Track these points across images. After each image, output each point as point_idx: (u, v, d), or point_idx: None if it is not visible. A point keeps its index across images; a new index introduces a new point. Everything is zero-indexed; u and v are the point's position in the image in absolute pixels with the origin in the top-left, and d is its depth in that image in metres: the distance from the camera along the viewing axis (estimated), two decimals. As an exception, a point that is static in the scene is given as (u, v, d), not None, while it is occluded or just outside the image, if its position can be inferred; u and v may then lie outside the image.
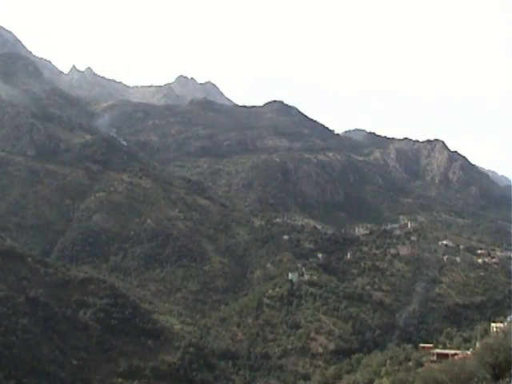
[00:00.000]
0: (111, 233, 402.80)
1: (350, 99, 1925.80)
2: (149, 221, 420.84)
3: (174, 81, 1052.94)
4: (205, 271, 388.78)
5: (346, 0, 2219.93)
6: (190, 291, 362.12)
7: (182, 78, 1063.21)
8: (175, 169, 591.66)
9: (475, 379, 73.70)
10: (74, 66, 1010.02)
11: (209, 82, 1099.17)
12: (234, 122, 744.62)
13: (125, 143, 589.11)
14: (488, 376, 73.44)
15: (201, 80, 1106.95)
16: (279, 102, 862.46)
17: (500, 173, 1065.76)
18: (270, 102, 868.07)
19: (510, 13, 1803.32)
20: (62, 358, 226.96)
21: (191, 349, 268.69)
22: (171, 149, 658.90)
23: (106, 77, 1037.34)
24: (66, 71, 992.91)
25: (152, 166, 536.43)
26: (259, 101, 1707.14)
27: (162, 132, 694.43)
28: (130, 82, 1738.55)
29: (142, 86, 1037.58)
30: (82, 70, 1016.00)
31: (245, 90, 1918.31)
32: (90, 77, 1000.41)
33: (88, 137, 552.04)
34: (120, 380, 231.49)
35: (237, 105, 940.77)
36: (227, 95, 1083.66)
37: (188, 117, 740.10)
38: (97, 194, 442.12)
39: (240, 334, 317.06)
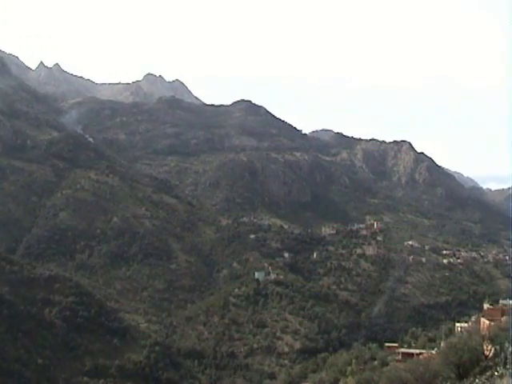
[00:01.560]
0: (77, 230, 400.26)
1: (317, 99, 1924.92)
2: (115, 219, 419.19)
3: (142, 78, 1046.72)
4: (171, 270, 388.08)
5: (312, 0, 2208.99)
6: (156, 290, 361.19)
7: (150, 76, 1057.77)
8: (142, 167, 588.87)
9: (440, 378, 74.57)
10: (41, 62, 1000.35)
11: (177, 81, 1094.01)
12: (201, 121, 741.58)
13: (92, 140, 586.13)
14: (452, 375, 74.38)
15: (169, 78, 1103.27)
16: (247, 101, 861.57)
17: (466, 174, 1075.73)
18: (237, 102, 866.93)
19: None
20: (27, 357, 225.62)
21: (157, 347, 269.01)
22: (138, 147, 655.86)
23: (74, 73, 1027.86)
24: (33, 67, 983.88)
25: (119, 163, 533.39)
26: (227, 100, 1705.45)
27: (130, 130, 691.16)
28: (98, 79, 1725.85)
29: (110, 84, 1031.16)
30: (49, 66, 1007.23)
31: (213, 88, 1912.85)
32: (57, 73, 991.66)
33: (55, 134, 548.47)
34: (85, 379, 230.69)
35: (205, 103, 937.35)
36: (195, 94, 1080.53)
37: (156, 115, 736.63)
38: (63, 192, 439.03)
39: (206, 332, 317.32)
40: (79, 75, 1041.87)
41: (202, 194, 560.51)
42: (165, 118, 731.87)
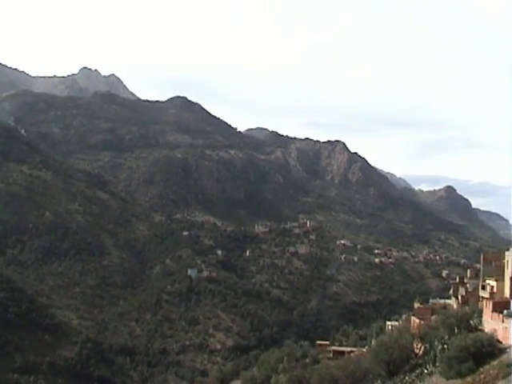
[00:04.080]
0: (9, 225, 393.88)
1: (253, 98, 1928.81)
2: (48, 214, 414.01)
3: (77, 72, 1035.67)
4: (103, 266, 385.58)
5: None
6: (88, 286, 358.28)
7: (85, 70, 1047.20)
8: (76, 161, 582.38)
9: (370, 376, 76.04)
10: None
11: (113, 75, 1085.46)
12: (136, 117, 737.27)
13: (25, 134, 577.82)
14: (383, 373, 75.91)
15: (105, 72, 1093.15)
16: (183, 97, 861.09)
17: (398, 175, 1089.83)
18: (173, 98, 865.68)
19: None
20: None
21: (89, 344, 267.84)
22: (72, 141, 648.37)
23: (8, 65, 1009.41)
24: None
25: (53, 158, 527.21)
26: (163, 96, 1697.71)
27: (64, 124, 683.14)
28: (32, 71, 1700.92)
29: (44, 77, 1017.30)
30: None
31: (149, 84, 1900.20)
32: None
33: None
34: (16, 375, 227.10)
35: (140, 99, 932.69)
36: (131, 89, 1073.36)
37: (91, 109, 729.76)
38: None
39: (138, 329, 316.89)
40: (13, 67, 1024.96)
41: (136, 190, 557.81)
42: (100, 112, 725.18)
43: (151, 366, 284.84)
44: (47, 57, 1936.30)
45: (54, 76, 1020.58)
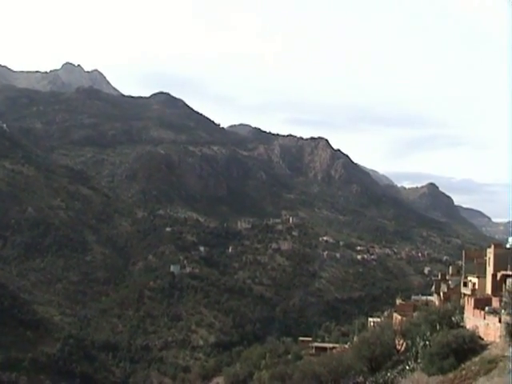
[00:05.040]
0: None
1: (236, 94, 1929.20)
2: (30, 209, 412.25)
3: (60, 67, 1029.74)
4: (86, 262, 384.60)
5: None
6: (70, 282, 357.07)
7: (68, 65, 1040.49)
8: (58, 157, 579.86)
9: (353, 372, 76.36)
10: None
11: (96, 71, 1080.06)
12: (119, 112, 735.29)
13: (7, 129, 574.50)
14: (365, 369, 76.34)
15: (88, 68, 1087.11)
16: (166, 93, 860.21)
17: (381, 172, 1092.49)
18: (156, 94, 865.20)
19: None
20: None
21: (71, 340, 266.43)
22: (55, 137, 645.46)
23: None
24: None
25: (35, 153, 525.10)
26: (146, 91, 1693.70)
27: (47, 119, 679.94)
28: (15, 66, 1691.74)
29: (27, 72, 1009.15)
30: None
31: (132, 80, 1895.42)
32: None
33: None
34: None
35: (123, 95, 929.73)
36: (114, 84, 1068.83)
37: (73, 105, 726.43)
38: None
39: (120, 325, 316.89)
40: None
41: (119, 186, 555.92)
42: (82, 108, 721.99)
43: (134, 362, 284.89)
44: (30, 52, 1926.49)
45: (37, 71, 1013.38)
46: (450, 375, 54.96)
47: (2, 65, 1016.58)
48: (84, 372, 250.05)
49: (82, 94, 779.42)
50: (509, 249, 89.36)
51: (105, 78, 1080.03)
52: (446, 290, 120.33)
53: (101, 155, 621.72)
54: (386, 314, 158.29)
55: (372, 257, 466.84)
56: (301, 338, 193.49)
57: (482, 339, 61.31)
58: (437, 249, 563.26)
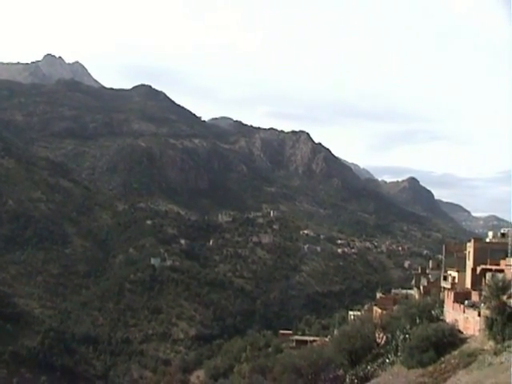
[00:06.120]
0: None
1: (217, 87, 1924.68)
2: (10, 202, 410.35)
3: (41, 59, 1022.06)
4: (66, 254, 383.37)
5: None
6: (50, 274, 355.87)
7: (49, 57, 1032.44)
8: (39, 149, 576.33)
9: (333, 365, 76.73)
10: None
11: (77, 63, 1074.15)
12: (100, 104, 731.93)
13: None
14: (345, 362, 76.81)
15: (69, 60, 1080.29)
16: (147, 86, 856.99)
17: (362, 166, 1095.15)
18: (137, 86, 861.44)
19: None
20: None
21: (51, 333, 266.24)
22: (36, 129, 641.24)
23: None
24: None
25: (15, 145, 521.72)
26: (127, 84, 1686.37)
27: (27, 111, 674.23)
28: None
29: (8, 63, 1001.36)
30: None
31: (113, 72, 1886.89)
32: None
33: None
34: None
35: (104, 87, 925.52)
36: (95, 77, 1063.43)
37: (54, 97, 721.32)
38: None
39: (101, 318, 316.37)
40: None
41: (99, 179, 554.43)
42: (63, 100, 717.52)
43: (114, 355, 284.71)
44: (11, 43, 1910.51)
45: (18, 63, 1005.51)
46: (430, 368, 55.41)
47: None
48: (64, 365, 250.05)
49: (63, 85, 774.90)
50: (488, 243, 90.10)
51: (86, 70, 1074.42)
52: (425, 283, 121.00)
53: (81, 147, 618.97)
54: (366, 307, 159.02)
55: (352, 250, 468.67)
56: (281, 331, 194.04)
57: (462, 333, 61.85)
58: (417, 243, 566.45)
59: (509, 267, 67.28)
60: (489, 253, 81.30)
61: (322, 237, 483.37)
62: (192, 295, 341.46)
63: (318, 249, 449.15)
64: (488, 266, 76.01)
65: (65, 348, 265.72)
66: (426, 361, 57.03)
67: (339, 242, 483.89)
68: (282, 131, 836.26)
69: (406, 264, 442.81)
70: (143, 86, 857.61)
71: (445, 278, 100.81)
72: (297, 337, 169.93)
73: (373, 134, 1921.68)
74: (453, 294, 71.24)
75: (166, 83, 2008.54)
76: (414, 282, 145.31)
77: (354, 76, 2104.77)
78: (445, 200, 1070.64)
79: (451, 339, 58.81)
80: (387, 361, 67.32)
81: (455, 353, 55.99)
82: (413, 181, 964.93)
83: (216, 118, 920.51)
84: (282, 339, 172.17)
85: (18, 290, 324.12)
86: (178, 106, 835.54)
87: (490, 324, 51.67)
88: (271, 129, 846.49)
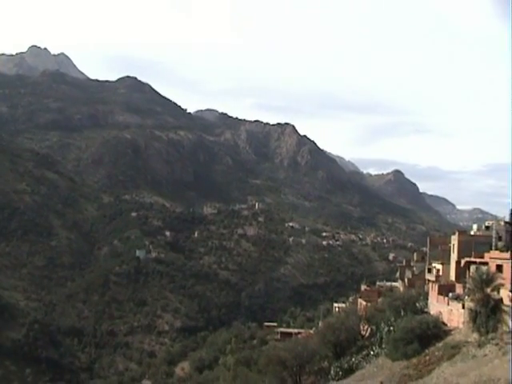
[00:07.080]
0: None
1: (203, 79, 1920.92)
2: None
3: (26, 50, 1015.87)
4: (51, 246, 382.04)
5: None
6: (35, 267, 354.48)
7: (34, 48, 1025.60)
8: (24, 141, 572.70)
9: (318, 357, 77.26)
10: None
11: (62, 54, 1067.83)
12: (86, 96, 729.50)
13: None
14: (330, 354, 77.32)
15: (54, 51, 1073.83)
16: (132, 77, 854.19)
17: (347, 158, 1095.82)
18: (123, 78, 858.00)
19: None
20: None
21: (36, 325, 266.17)
22: (20, 120, 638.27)
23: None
24: None
25: (0, 137, 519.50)
26: (113, 75, 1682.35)
27: (12, 103, 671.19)
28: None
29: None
30: None
31: (99, 63, 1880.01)
32: None
33: None
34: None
35: (90, 78, 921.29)
36: (81, 68, 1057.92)
37: (39, 88, 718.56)
38: None
39: (86, 310, 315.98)
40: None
41: (85, 171, 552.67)
42: (48, 91, 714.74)
43: (99, 348, 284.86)
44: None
45: (3, 54, 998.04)
46: (414, 360, 55.81)
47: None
48: (49, 357, 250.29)
49: (48, 77, 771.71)
50: (473, 236, 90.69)
51: (71, 61, 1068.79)
52: (410, 276, 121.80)
53: (67, 139, 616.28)
54: (350, 299, 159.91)
55: (337, 243, 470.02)
56: (266, 324, 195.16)
57: (446, 325, 62.31)
58: (402, 235, 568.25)
59: (493, 260, 67.73)
60: (473, 245, 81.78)
61: (306, 229, 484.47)
62: (177, 287, 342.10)
63: (303, 241, 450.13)
64: (472, 259, 76.47)
65: (50, 340, 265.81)
66: (411, 353, 57.43)
67: (324, 234, 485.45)
68: (267, 123, 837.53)
69: (391, 256, 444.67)
70: (129, 77, 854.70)
71: (429, 271, 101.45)
72: (282, 329, 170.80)
73: (358, 127, 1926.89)
74: (437, 286, 71.76)
75: (151, 75, 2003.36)
76: (398, 274, 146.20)
77: (339, 69, 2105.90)
78: (429, 193, 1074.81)
79: (435, 331, 59.23)
80: (372, 353, 67.79)
81: (439, 345, 56.40)
82: (398, 173, 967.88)
83: (201, 110, 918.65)
84: (267, 331, 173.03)
85: (3, 282, 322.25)
86: (164, 97, 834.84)
87: (474, 316, 52.04)
88: (256, 121, 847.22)
